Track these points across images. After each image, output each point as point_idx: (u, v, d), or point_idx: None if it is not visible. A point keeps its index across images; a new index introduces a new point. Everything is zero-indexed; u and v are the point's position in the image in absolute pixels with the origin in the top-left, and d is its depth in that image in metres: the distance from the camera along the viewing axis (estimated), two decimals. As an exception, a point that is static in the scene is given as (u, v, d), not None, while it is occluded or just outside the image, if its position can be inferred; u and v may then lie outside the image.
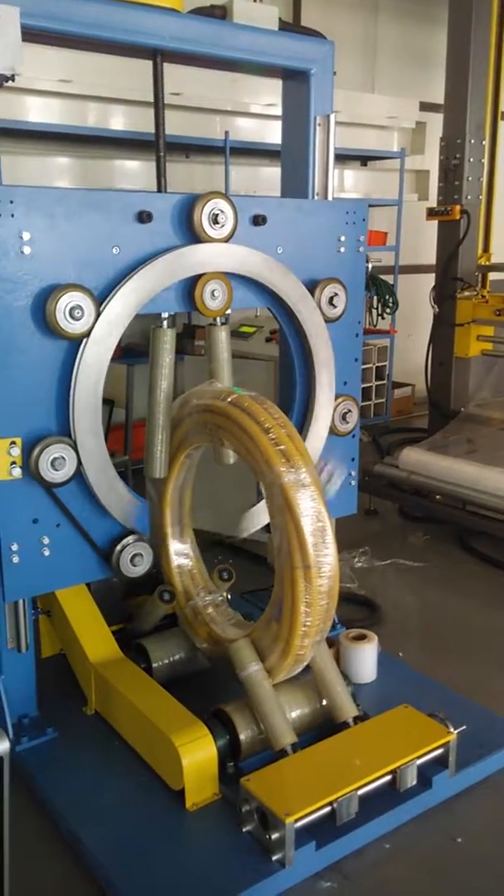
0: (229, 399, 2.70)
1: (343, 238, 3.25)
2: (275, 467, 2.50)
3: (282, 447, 2.52)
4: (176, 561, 3.19)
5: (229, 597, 3.37)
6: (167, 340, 2.92)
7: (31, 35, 2.64)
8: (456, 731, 2.73)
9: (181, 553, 3.20)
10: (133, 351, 5.82)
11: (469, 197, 6.08)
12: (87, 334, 2.62)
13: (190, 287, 2.87)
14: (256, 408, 2.62)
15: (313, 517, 2.49)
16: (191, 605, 3.15)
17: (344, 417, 3.38)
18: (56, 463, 2.65)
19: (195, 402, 2.86)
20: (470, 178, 6.06)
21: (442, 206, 6.15)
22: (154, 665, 3.14)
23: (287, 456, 2.51)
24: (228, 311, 3.01)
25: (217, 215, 2.81)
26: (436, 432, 5.95)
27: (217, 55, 3.05)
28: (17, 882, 2.22)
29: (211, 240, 2.82)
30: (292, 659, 2.64)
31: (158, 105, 3.19)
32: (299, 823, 2.38)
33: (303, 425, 3.28)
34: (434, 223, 6.28)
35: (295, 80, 3.33)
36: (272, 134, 6.55)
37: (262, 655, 2.74)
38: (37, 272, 2.54)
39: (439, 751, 2.71)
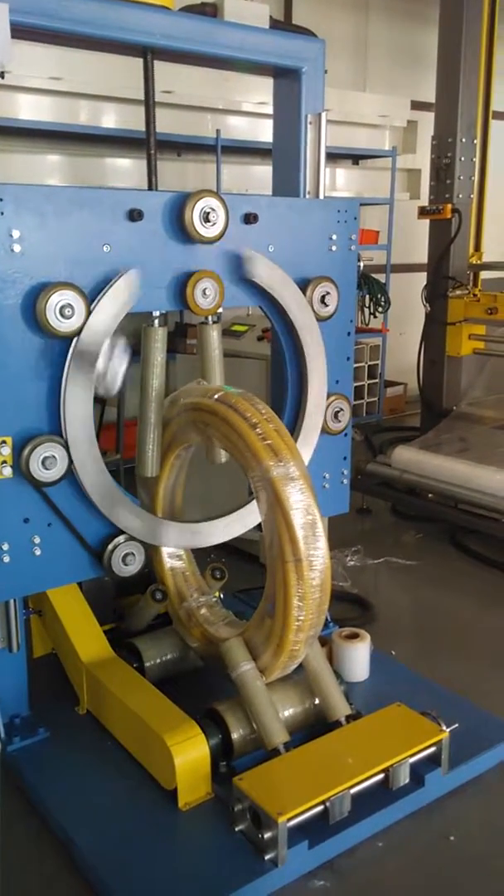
0: (216, 396, 2.70)
1: (334, 237, 3.24)
2: (263, 462, 2.49)
3: (269, 442, 2.52)
4: (169, 563, 3.18)
5: (222, 596, 3.37)
6: (159, 339, 2.91)
7: (21, 32, 2.63)
8: (448, 730, 2.73)
9: (174, 555, 3.19)
10: (125, 350, 5.80)
11: (460, 196, 6.08)
12: (78, 333, 2.61)
13: (181, 285, 2.86)
14: (243, 404, 2.62)
15: (303, 511, 2.48)
16: (184, 607, 3.13)
17: (336, 416, 3.38)
18: (47, 462, 2.63)
19: (184, 401, 2.85)
20: (461, 177, 6.06)
21: (433, 204, 6.15)
22: (146, 664, 3.14)
23: (275, 450, 2.50)
24: (220, 310, 3.00)
25: (208, 213, 2.80)
26: (428, 431, 5.96)
27: (208, 53, 3.04)
28: (9, 882, 2.22)
29: (202, 238, 2.81)
30: (286, 655, 2.63)
31: (149, 103, 3.18)
32: (292, 822, 2.38)
33: (295, 424, 3.27)
34: (426, 222, 6.29)
35: (286, 78, 3.33)
36: (264, 132, 6.56)
37: (255, 653, 2.73)
38: (27, 270, 2.52)
39: (432, 749, 2.71)
